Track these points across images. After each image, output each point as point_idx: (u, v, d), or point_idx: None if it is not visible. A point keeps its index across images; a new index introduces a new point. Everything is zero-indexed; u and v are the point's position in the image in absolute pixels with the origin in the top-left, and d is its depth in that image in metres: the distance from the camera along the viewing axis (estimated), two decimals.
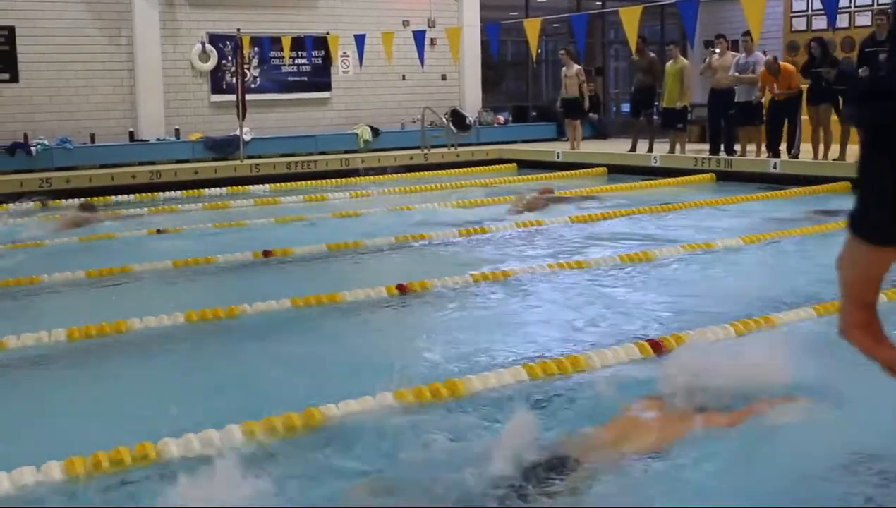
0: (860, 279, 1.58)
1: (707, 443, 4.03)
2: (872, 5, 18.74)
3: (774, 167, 14.25)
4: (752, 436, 4.09)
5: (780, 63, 14.81)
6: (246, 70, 17.55)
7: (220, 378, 5.38)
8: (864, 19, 18.86)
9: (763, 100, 14.94)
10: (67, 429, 4.56)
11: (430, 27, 18.62)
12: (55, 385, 5.38)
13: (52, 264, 8.28)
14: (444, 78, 20.13)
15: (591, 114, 20.05)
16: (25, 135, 15.73)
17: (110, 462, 3.90)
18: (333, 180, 15.48)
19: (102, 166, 15.50)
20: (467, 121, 19.33)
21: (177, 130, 17.24)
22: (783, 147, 14.76)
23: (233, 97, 16.75)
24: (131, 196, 14.09)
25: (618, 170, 15.80)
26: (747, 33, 14.51)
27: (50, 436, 4.42)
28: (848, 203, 1.55)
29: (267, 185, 14.99)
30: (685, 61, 16.43)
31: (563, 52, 18.13)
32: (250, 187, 14.81)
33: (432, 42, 18.70)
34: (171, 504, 3.52)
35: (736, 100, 15.16)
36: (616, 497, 3.69)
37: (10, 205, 11.88)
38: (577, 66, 17.83)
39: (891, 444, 4.13)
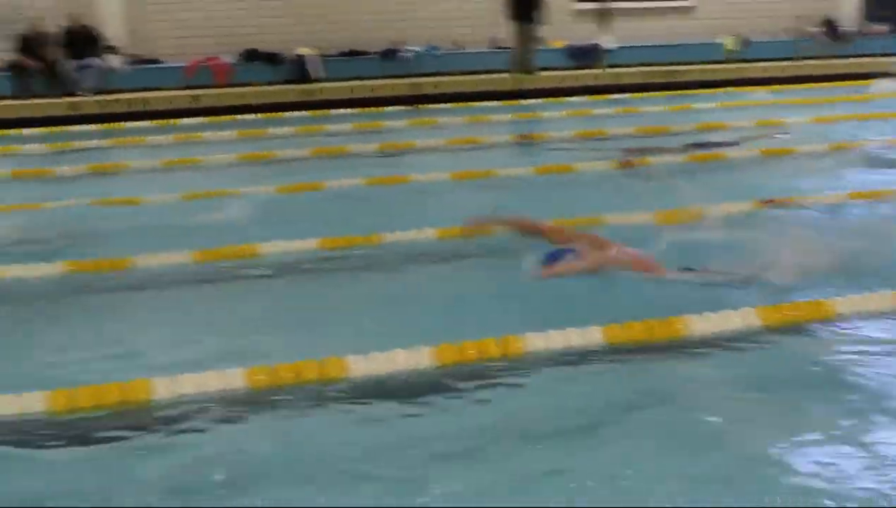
0: None
1: None
2: None
3: None
4: None
5: None
6: None
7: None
8: None
9: None
10: None
11: None
12: None
13: None
14: None
15: None
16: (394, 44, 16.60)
17: None
18: (696, 91, 15.04)
19: (465, 73, 15.91)
20: (841, 32, 18.15)
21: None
22: None
23: (595, 5, 16.64)
24: (497, 102, 14.49)
25: None
26: None
27: None
28: None
29: (627, 94, 14.84)
30: None
31: None
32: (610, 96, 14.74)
33: None
34: None
35: None
36: None
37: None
38: None
39: None
